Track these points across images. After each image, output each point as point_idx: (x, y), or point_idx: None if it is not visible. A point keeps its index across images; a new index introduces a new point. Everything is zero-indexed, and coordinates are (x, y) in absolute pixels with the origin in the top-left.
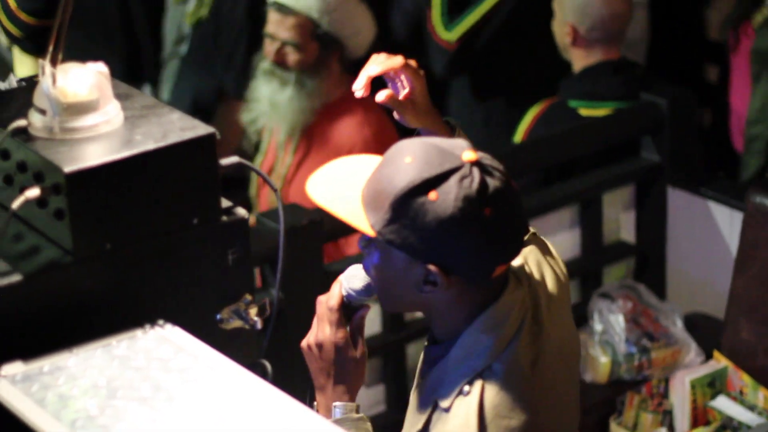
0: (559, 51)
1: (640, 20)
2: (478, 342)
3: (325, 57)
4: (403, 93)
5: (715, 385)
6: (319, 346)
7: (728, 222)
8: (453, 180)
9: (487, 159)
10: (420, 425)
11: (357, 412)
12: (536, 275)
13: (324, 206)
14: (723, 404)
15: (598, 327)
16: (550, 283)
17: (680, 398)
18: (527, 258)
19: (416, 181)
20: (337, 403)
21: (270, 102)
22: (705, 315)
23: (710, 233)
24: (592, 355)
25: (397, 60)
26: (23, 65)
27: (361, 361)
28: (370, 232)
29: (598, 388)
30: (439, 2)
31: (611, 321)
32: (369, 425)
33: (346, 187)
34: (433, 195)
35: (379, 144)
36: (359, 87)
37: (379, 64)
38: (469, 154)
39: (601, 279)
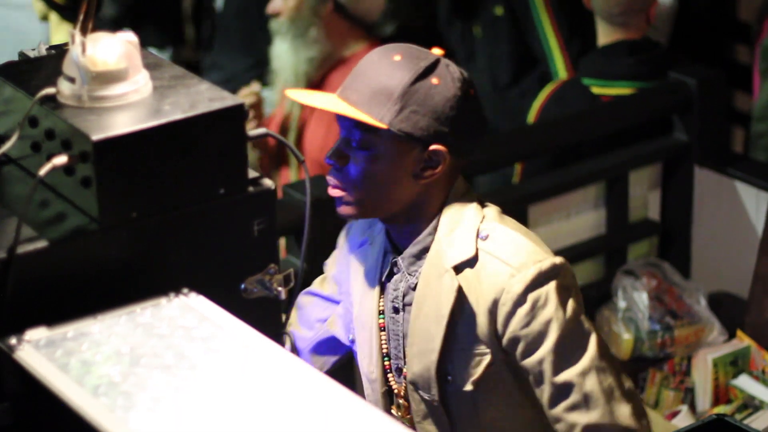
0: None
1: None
2: (465, 203)
3: (313, 4)
4: None
5: (737, 363)
6: None
7: (754, 202)
8: (441, 67)
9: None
10: (451, 294)
11: None
12: None
13: (317, 106)
14: (745, 383)
15: (621, 304)
16: None
17: (702, 376)
18: None
19: (419, 70)
20: None
21: (276, 56)
22: (729, 294)
23: (736, 213)
24: (615, 332)
25: None
26: (60, 33)
27: None
28: (381, 125)
29: (620, 364)
30: None
31: (635, 298)
32: None
33: (328, 98)
34: (435, 80)
35: None
36: None
37: None
38: (437, 50)
39: (626, 256)
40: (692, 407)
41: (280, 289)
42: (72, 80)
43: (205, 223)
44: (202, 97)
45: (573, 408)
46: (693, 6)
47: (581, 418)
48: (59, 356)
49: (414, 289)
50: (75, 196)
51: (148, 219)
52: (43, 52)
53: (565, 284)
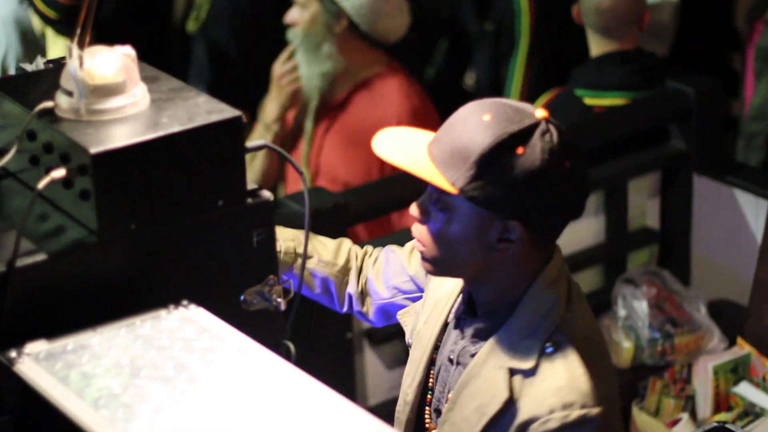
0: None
1: (668, 8)
2: (545, 300)
3: (327, 20)
4: None
5: (737, 371)
6: None
7: (753, 209)
8: (536, 135)
9: (553, 118)
10: (505, 396)
11: None
12: None
13: (397, 164)
14: (745, 390)
15: (621, 312)
16: None
17: (703, 384)
18: None
19: (503, 136)
20: None
21: (295, 66)
22: (729, 302)
23: (735, 221)
24: (616, 340)
25: None
26: (57, 47)
27: None
28: (452, 190)
29: (620, 372)
30: None
31: (635, 306)
32: None
33: (412, 149)
34: (520, 149)
35: (424, 116)
36: None
37: None
38: (541, 112)
39: (626, 265)
40: (693, 415)
41: (279, 300)
42: (70, 94)
43: (204, 235)
44: (200, 109)
45: None
46: (692, 16)
47: None
48: (59, 369)
49: (472, 356)
50: (74, 209)
51: (147, 231)
52: (41, 65)
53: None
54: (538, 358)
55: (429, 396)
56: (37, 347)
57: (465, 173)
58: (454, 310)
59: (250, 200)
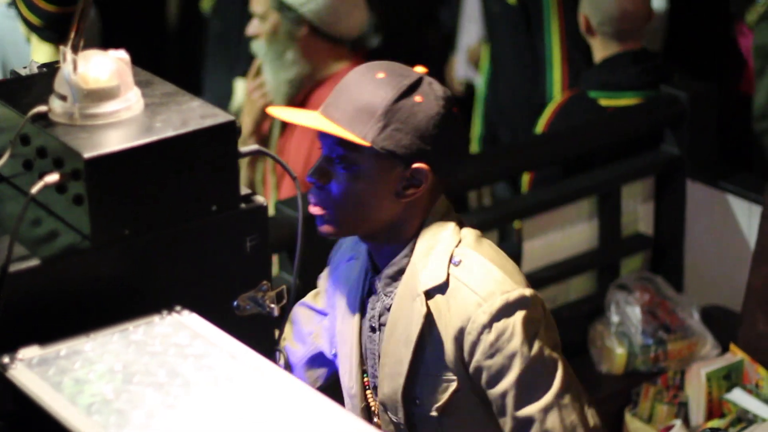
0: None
1: (658, 10)
2: (440, 228)
3: (288, 28)
4: None
5: (730, 377)
6: None
7: (747, 215)
8: (425, 85)
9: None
10: (414, 331)
11: None
12: None
13: (305, 124)
14: (738, 397)
15: (614, 318)
16: None
17: (696, 390)
18: None
19: (402, 88)
20: None
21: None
22: (722, 308)
23: (728, 226)
24: (608, 346)
25: None
26: (40, 53)
27: None
28: (364, 143)
29: (613, 379)
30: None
31: (628, 312)
32: None
33: (310, 116)
34: (418, 98)
35: None
36: None
37: None
38: (420, 68)
39: (619, 270)
40: (686, 421)
41: (272, 306)
42: (63, 98)
43: (198, 240)
44: (194, 114)
45: None
46: (684, 18)
47: None
48: (52, 374)
49: (389, 310)
50: (67, 213)
51: (140, 236)
52: (35, 70)
53: (533, 317)
54: (447, 272)
55: (366, 379)
56: (30, 353)
57: (373, 126)
58: (363, 285)
59: (243, 205)
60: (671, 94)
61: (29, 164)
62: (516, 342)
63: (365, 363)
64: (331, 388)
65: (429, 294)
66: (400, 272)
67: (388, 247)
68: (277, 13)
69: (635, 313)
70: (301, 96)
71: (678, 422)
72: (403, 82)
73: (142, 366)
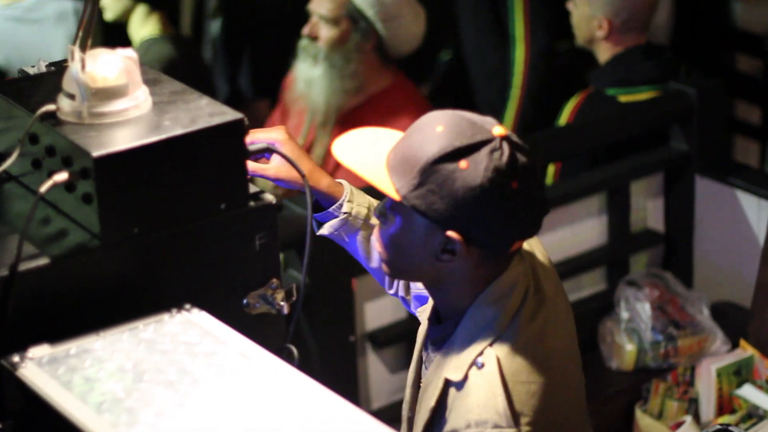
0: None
1: (664, 7)
2: (485, 315)
3: (358, 40)
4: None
5: (741, 373)
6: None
7: (756, 211)
8: (484, 151)
9: (515, 136)
10: (432, 403)
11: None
12: (529, 249)
13: (349, 166)
14: (749, 393)
15: (624, 315)
16: (541, 256)
17: (706, 386)
18: None
19: (448, 149)
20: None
21: (305, 79)
22: (732, 304)
23: (738, 222)
24: (618, 343)
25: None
26: (147, 27)
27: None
28: (395, 196)
29: (623, 375)
30: None
31: (638, 309)
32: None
33: (371, 153)
34: (463, 164)
35: None
36: None
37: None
38: (499, 129)
39: (628, 267)
40: (696, 417)
41: (282, 303)
42: (72, 97)
43: (207, 238)
44: (202, 112)
45: None
46: (692, 15)
47: None
48: (62, 373)
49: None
50: (76, 212)
51: (149, 235)
52: (43, 68)
53: None
54: (467, 371)
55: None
56: (40, 352)
57: (409, 181)
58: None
59: (252, 203)
60: (680, 90)
61: (38, 163)
62: None
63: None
64: (343, 371)
65: (447, 383)
66: (446, 340)
67: (441, 306)
68: (349, 21)
69: (645, 309)
70: (347, 111)
71: (688, 418)
72: (454, 142)
73: (152, 364)
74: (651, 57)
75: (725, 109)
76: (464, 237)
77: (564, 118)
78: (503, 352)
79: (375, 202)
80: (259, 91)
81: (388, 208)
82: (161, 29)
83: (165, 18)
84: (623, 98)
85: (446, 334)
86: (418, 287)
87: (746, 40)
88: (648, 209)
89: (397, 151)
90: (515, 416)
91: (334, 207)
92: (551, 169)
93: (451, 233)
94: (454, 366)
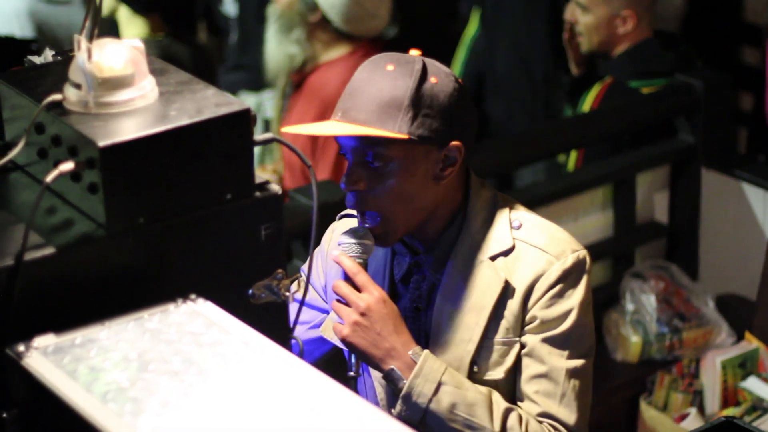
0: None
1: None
2: (487, 193)
3: (301, 10)
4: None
5: (746, 366)
6: (367, 312)
7: (762, 204)
8: (431, 66)
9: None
10: (497, 286)
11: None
12: None
13: (343, 133)
14: (754, 385)
15: (629, 307)
16: None
17: (711, 379)
18: None
19: (417, 74)
20: (412, 351)
21: (267, 39)
22: (737, 296)
23: (743, 215)
24: (623, 335)
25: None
26: (132, 28)
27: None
28: (401, 136)
29: (628, 367)
30: None
31: (643, 301)
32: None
33: (331, 125)
34: (433, 79)
35: None
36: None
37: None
38: (415, 51)
39: (634, 259)
40: (701, 410)
41: (287, 294)
42: (78, 86)
43: (212, 229)
44: (209, 102)
45: (546, 395)
46: (699, 7)
47: (549, 407)
48: (67, 363)
49: (436, 288)
50: (82, 202)
51: (155, 225)
52: (49, 58)
53: (589, 279)
54: (512, 236)
55: None
56: (45, 341)
57: (404, 117)
58: (395, 274)
59: (258, 194)
60: (686, 83)
61: (44, 153)
62: (575, 300)
63: None
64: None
65: (492, 259)
66: (452, 246)
67: (430, 229)
68: None
69: (650, 301)
70: (297, 79)
71: (693, 410)
72: (415, 68)
73: (157, 354)
74: (669, 48)
75: (732, 101)
76: (460, 141)
77: (587, 108)
78: (521, 210)
79: None
80: None
81: (370, 166)
82: (149, 32)
83: (155, 21)
84: (646, 90)
85: (446, 247)
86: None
87: (751, 32)
88: (654, 201)
89: (365, 106)
90: (575, 239)
91: None
92: (573, 155)
93: (454, 143)
94: (491, 246)
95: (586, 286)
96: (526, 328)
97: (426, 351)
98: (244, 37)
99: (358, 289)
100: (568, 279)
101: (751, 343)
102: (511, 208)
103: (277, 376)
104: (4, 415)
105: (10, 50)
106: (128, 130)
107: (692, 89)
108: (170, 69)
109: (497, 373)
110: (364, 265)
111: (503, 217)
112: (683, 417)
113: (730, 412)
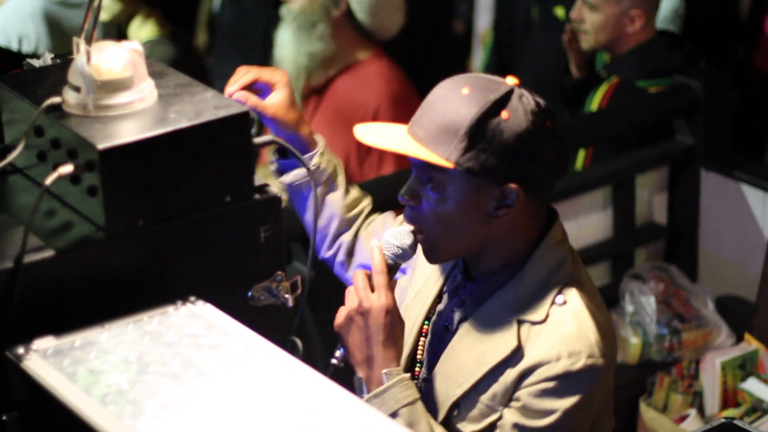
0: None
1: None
2: (554, 256)
3: (328, 4)
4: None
5: (745, 367)
6: (366, 313)
7: (761, 205)
8: (515, 99)
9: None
10: (513, 344)
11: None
12: None
13: (392, 149)
14: (753, 386)
15: (629, 308)
16: None
17: (710, 380)
18: None
19: (487, 104)
20: (388, 370)
21: (279, 43)
22: (736, 297)
23: (743, 216)
24: (623, 336)
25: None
26: (145, 30)
27: (404, 327)
28: (448, 165)
29: (628, 368)
30: None
31: (642, 302)
32: (415, 388)
33: (394, 135)
34: (504, 114)
35: (404, 102)
36: (231, 92)
37: (244, 75)
38: (512, 79)
39: (633, 260)
40: (701, 411)
41: (287, 296)
42: (77, 89)
43: (212, 231)
44: (208, 105)
45: None
46: (699, 8)
47: None
48: (67, 365)
49: (467, 319)
50: (81, 205)
51: (154, 227)
52: (48, 61)
53: (593, 392)
54: (548, 310)
55: (417, 369)
56: (44, 343)
57: (457, 146)
58: (448, 281)
59: (257, 196)
60: (685, 84)
61: (43, 155)
62: (565, 404)
63: (423, 353)
64: None
65: (520, 322)
66: (493, 292)
67: (482, 265)
68: None
69: (650, 302)
70: (323, 80)
71: (693, 412)
72: (488, 98)
73: (157, 356)
74: (674, 48)
75: (731, 102)
76: (520, 185)
77: (594, 108)
78: (579, 290)
79: (340, 165)
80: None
81: (426, 185)
82: (159, 29)
83: (161, 18)
84: (653, 90)
85: (493, 288)
86: (363, 257)
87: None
88: (653, 203)
89: (426, 124)
90: (605, 347)
91: (305, 156)
92: (582, 154)
93: (511, 185)
94: (529, 307)
95: (585, 395)
96: (510, 403)
97: (402, 376)
98: (220, 45)
99: (373, 287)
100: (568, 380)
101: (750, 344)
102: (570, 280)
103: (277, 378)
104: (4, 417)
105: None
106: (127, 132)
107: (692, 90)
108: (169, 72)
109: (472, 427)
110: (394, 268)
111: (555, 286)
112: (683, 418)
113: (730, 413)
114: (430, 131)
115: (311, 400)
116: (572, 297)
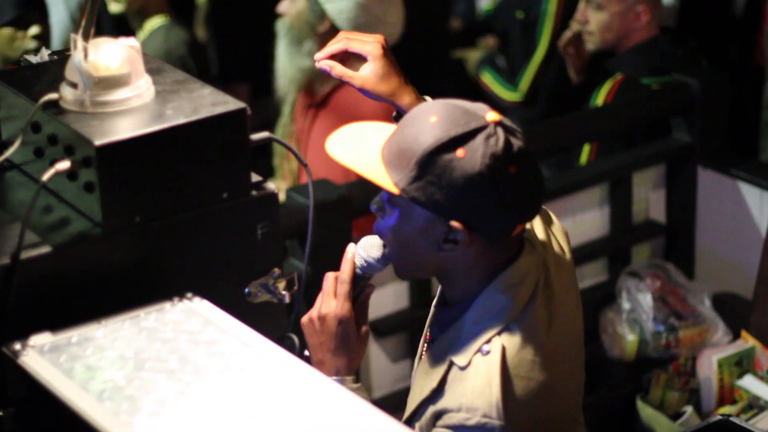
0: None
1: None
2: (496, 302)
3: (313, 20)
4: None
5: (742, 364)
6: (322, 319)
7: (758, 202)
8: (479, 138)
9: (508, 121)
10: (434, 384)
11: (354, 383)
12: (545, 242)
13: (345, 163)
14: (750, 383)
15: (626, 305)
16: (557, 251)
17: (707, 377)
18: (534, 225)
19: (443, 139)
20: (334, 378)
21: (277, 56)
22: (733, 294)
23: (740, 213)
24: (620, 333)
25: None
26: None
27: (363, 339)
28: (394, 190)
29: (625, 365)
30: (491, 78)
31: (639, 299)
32: (366, 394)
33: (365, 147)
34: (460, 152)
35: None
36: (319, 58)
37: (339, 41)
38: (492, 115)
39: (630, 258)
40: (697, 408)
41: (284, 292)
42: (74, 85)
43: (209, 228)
44: (205, 101)
45: None
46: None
47: None
48: (63, 361)
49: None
50: (78, 201)
51: (151, 223)
52: (46, 57)
53: None
54: (471, 357)
55: None
56: (41, 340)
57: (407, 174)
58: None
59: (254, 192)
60: (682, 82)
61: (40, 152)
62: None
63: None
64: None
65: (451, 365)
66: (450, 323)
67: (447, 291)
68: (305, 0)
69: (646, 299)
70: (322, 94)
71: (689, 409)
72: (449, 132)
73: (154, 353)
74: (678, 45)
75: (728, 100)
76: (466, 225)
77: (599, 104)
78: (510, 342)
79: None
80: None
81: (385, 202)
82: (166, 15)
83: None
84: (656, 86)
85: (453, 318)
86: None
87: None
88: (650, 200)
89: (392, 145)
90: (506, 410)
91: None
92: (587, 149)
93: (453, 223)
94: (460, 350)
95: None
96: None
97: (352, 387)
98: None
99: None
100: None
101: (747, 341)
102: (511, 327)
103: (274, 374)
104: (1, 413)
105: None
106: (124, 129)
107: (689, 88)
108: (166, 68)
109: None
110: (361, 279)
111: (487, 333)
112: (679, 415)
113: (727, 410)
114: (392, 152)
115: (307, 397)
116: (497, 349)
